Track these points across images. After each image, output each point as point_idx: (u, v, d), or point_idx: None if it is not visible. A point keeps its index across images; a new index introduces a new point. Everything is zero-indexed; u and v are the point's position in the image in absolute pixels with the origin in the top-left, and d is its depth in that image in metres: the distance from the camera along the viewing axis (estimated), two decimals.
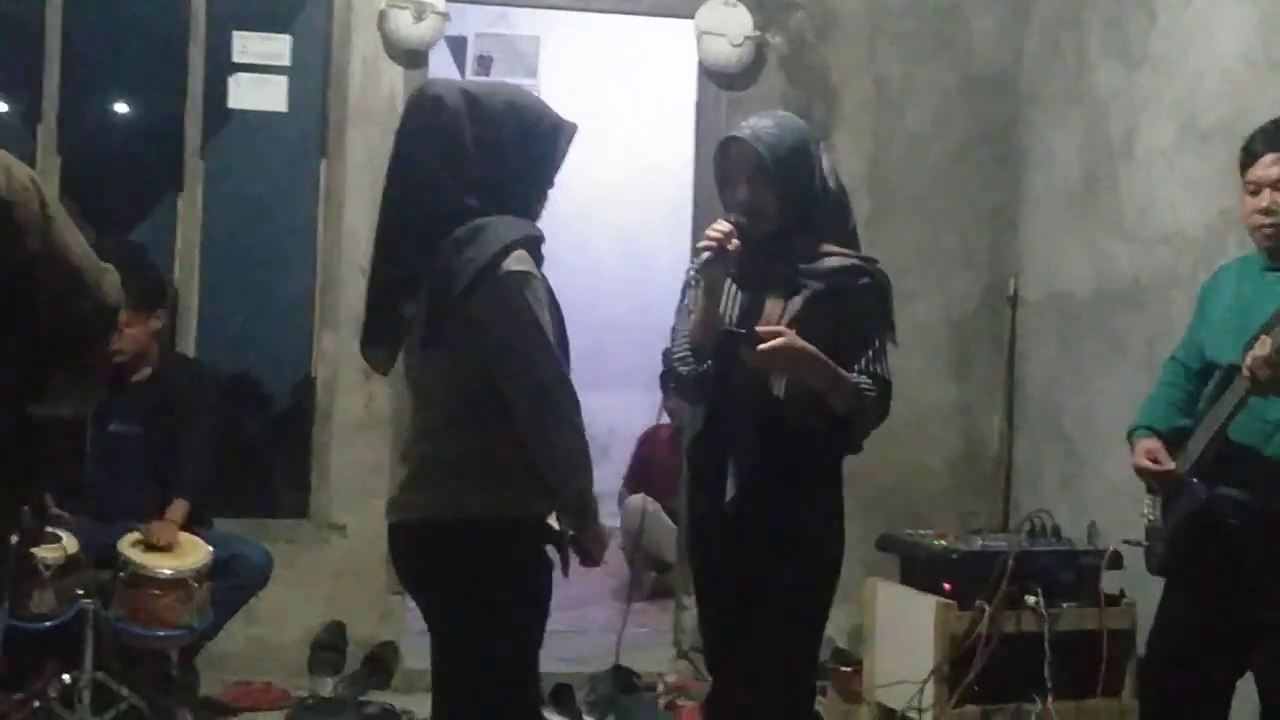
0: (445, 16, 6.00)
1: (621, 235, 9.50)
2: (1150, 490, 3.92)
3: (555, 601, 3.15)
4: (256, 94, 6.08)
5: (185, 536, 5.06)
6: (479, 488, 3.01)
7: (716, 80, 6.26)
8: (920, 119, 6.37)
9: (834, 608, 3.58)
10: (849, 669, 5.32)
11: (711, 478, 3.45)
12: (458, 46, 9.08)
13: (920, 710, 4.73)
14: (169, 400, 5.31)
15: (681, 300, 3.54)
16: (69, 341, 3.07)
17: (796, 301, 3.41)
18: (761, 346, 3.27)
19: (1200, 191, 5.01)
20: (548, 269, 3.07)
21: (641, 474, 7.89)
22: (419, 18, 5.93)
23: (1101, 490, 5.40)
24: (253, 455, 6.24)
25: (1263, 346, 3.42)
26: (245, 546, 5.28)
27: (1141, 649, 4.22)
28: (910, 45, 6.37)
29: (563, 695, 5.51)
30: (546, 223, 3.13)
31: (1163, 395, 3.98)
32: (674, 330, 3.55)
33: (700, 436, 3.58)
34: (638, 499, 7.17)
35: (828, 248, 3.44)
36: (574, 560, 3.17)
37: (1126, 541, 4.43)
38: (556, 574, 3.14)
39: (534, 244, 3.02)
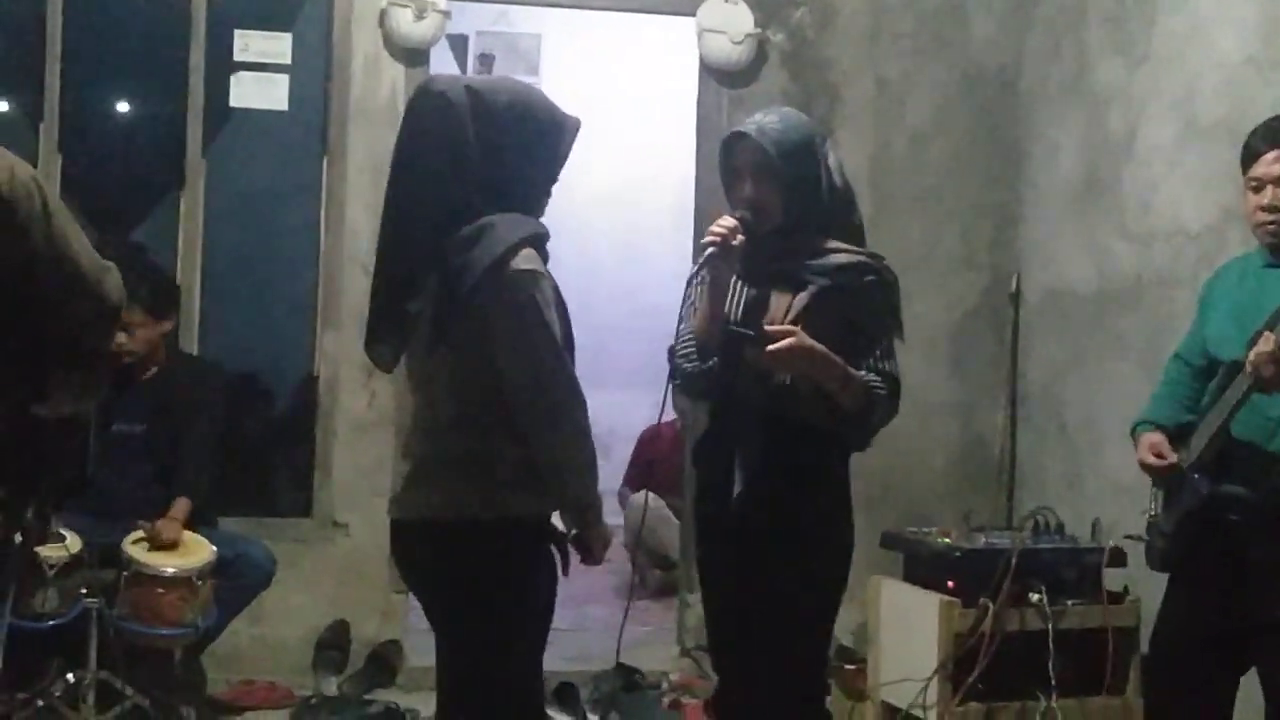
0: (446, 14, 6.00)
1: (622, 233, 9.50)
2: (1155, 485, 3.92)
3: (558, 600, 3.15)
4: (258, 92, 6.08)
5: (189, 535, 5.06)
6: (483, 486, 3.01)
7: (717, 78, 6.26)
8: (921, 117, 6.38)
9: None
10: (853, 667, 5.32)
11: (718, 475, 3.44)
12: (459, 44, 9.08)
13: (924, 708, 4.73)
14: (173, 399, 5.31)
15: (685, 296, 3.54)
16: (71, 340, 3.07)
17: (802, 298, 3.40)
18: (771, 347, 3.27)
19: (1202, 189, 5.01)
20: (548, 266, 3.07)
21: (643, 472, 7.90)
22: (420, 16, 5.93)
23: (1104, 487, 5.40)
24: (255, 454, 6.24)
25: (1266, 343, 3.43)
26: (249, 546, 5.29)
27: (1146, 646, 4.22)
28: (911, 43, 6.37)
29: (566, 694, 5.51)
30: (546, 220, 3.13)
31: (1166, 392, 3.98)
32: (679, 326, 3.55)
33: (706, 434, 3.58)
34: (641, 496, 7.18)
35: (834, 244, 3.44)
36: (574, 559, 3.18)
37: (1128, 536, 4.42)
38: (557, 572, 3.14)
39: (540, 242, 3.02)
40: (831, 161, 3.49)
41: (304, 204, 6.15)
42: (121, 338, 5.12)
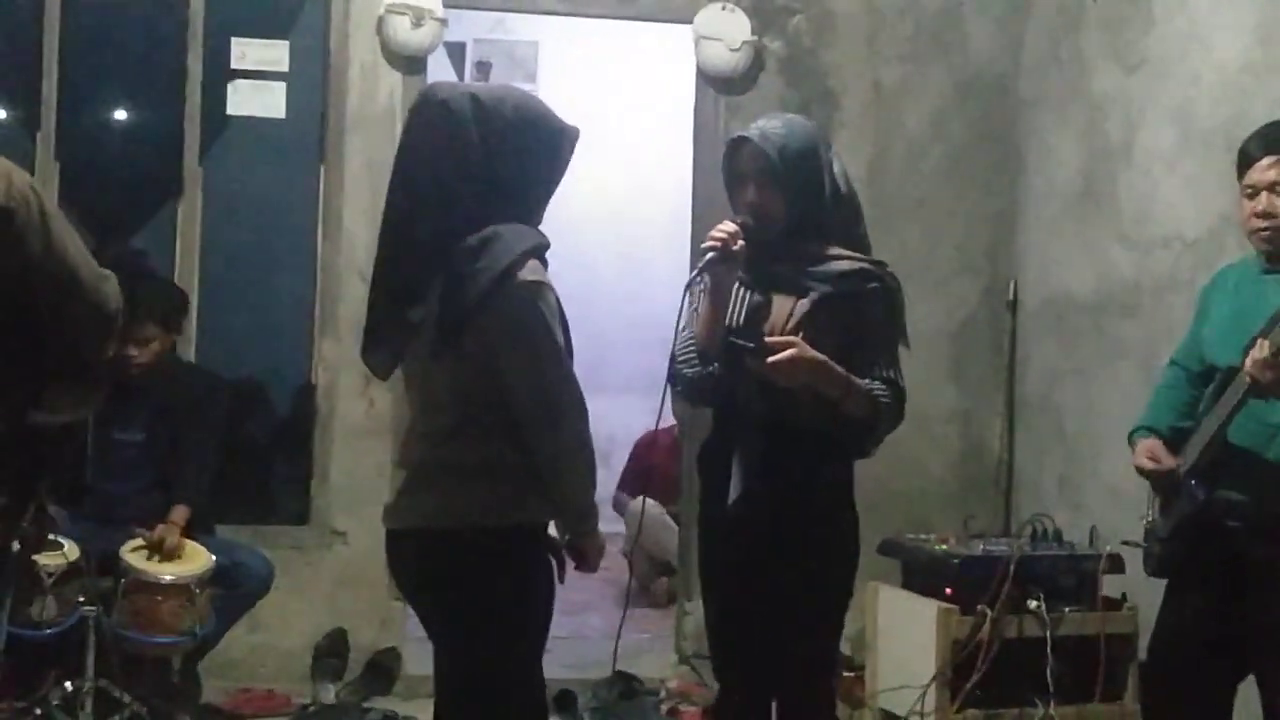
0: (444, 22, 6.00)
1: (620, 240, 9.49)
2: (1153, 491, 3.92)
3: (557, 607, 3.15)
4: (255, 100, 6.08)
5: (187, 543, 5.06)
6: (484, 494, 3.00)
7: (715, 85, 6.27)
8: (919, 123, 6.38)
9: None
10: (851, 674, 5.32)
11: (720, 482, 3.44)
12: (456, 52, 9.08)
13: (923, 715, 4.73)
14: (172, 407, 5.31)
15: (685, 300, 3.54)
16: (69, 348, 3.07)
17: (804, 305, 3.40)
18: (772, 359, 3.27)
19: (1199, 194, 5.01)
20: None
21: (639, 478, 7.88)
22: (417, 23, 5.94)
23: (1102, 494, 5.40)
24: (253, 462, 6.24)
25: (1262, 349, 3.43)
26: (247, 554, 5.29)
27: (1143, 653, 4.21)
28: (908, 49, 6.38)
29: (565, 701, 5.51)
30: (544, 227, 3.13)
31: (1163, 398, 3.98)
32: (677, 331, 3.54)
33: (709, 440, 3.59)
34: (640, 502, 7.17)
35: (836, 250, 3.44)
36: (569, 567, 3.18)
37: (1125, 543, 4.43)
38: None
39: (543, 252, 3.03)
40: (836, 168, 3.49)
41: (301, 212, 6.14)
42: (133, 350, 5.15)
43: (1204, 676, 3.78)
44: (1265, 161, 3.67)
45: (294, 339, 6.20)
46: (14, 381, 3.03)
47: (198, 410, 5.36)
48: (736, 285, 3.48)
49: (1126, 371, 5.36)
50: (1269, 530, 3.59)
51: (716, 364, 3.43)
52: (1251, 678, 3.79)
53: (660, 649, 6.37)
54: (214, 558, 5.05)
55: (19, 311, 2.99)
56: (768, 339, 3.31)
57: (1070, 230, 5.91)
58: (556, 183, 3.12)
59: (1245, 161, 3.73)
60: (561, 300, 3.06)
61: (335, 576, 5.96)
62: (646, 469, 7.84)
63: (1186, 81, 5.16)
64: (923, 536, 5.21)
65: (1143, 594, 4.54)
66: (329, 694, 5.59)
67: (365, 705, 5.55)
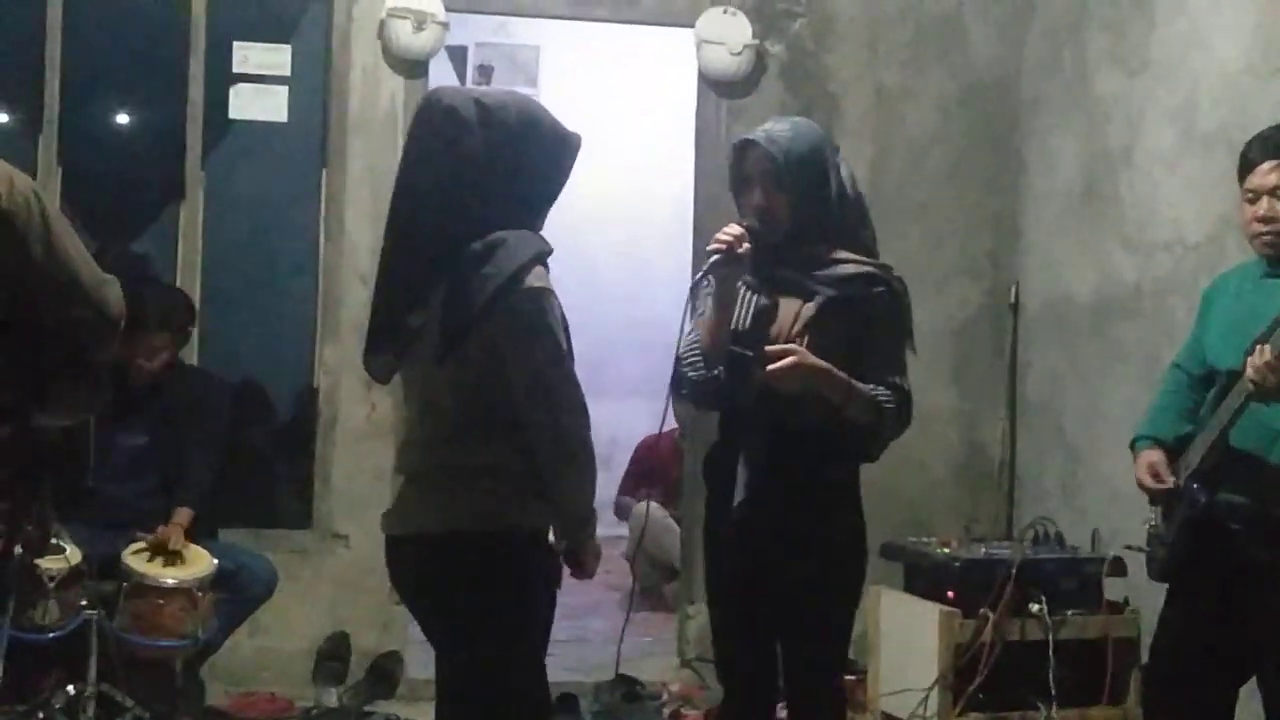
0: (445, 26, 6.00)
1: (621, 243, 9.50)
2: (1153, 502, 3.92)
3: (558, 611, 3.15)
4: (257, 104, 6.08)
5: (190, 546, 5.06)
6: (484, 497, 3.00)
7: (716, 89, 6.27)
8: (920, 126, 6.38)
9: None
10: (853, 677, 5.31)
11: (725, 486, 3.44)
12: (458, 56, 9.08)
13: (925, 719, 4.73)
14: (175, 410, 5.32)
15: (689, 303, 3.53)
16: (71, 351, 3.07)
17: (809, 308, 3.39)
18: (771, 367, 3.26)
19: (1200, 197, 5.01)
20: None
21: (641, 481, 7.86)
22: (419, 27, 5.94)
23: (1104, 497, 5.40)
24: (255, 465, 6.23)
25: (1263, 353, 3.42)
26: (250, 558, 5.29)
27: (1145, 656, 4.21)
28: (910, 52, 6.38)
29: (567, 704, 5.50)
30: (546, 230, 3.13)
31: (1165, 403, 3.98)
32: (681, 333, 3.54)
33: (715, 445, 3.58)
34: (643, 505, 7.16)
35: (842, 254, 3.43)
36: (565, 574, 3.18)
37: (1128, 547, 4.43)
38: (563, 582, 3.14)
39: (546, 259, 3.03)
40: (843, 172, 3.48)
41: (303, 215, 6.15)
42: (143, 361, 5.17)
43: (1206, 680, 3.78)
44: (1266, 166, 3.67)
45: (296, 343, 6.20)
46: (15, 384, 3.03)
47: (200, 412, 5.37)
48: (742, 288, 3.47)
49: (1128, 374, 5.36)
50: (1271, 533, 3.59)
51: (721, 368, 3.43)
52: (1253, 681, 3.79)
53: (662, 652, 6.37)
54: (216, 561, 5.06)
55: (20, 315, 2.98)
56: (767, 348, 3.31)
57: (1072, 233, 5.91)
58: (559, 190, 3.13)
59: (1246, 166, 3.73)
60: (563, 303, 3.06)
61: (337, 580, 5.95)
62: (649, 472, 7.84)
63: (1187, 84, 5.16)
64: (924, 540, 5.21)
65: (1145, 597, 4.54)
66: (331, 698, 5.59)
67: (367, 709, 5.55)
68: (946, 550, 5.03)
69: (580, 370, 3.08)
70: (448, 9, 5.99)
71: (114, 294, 3.10)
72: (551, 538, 3.11)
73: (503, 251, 2.95)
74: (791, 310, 3.42)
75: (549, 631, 3.13)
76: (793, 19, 6.30)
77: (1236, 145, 3.88)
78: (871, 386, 3.37)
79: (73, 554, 4.77)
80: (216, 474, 5.36)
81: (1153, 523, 3.94)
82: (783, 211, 3.43)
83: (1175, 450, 3.83)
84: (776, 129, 3.46)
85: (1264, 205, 3.65)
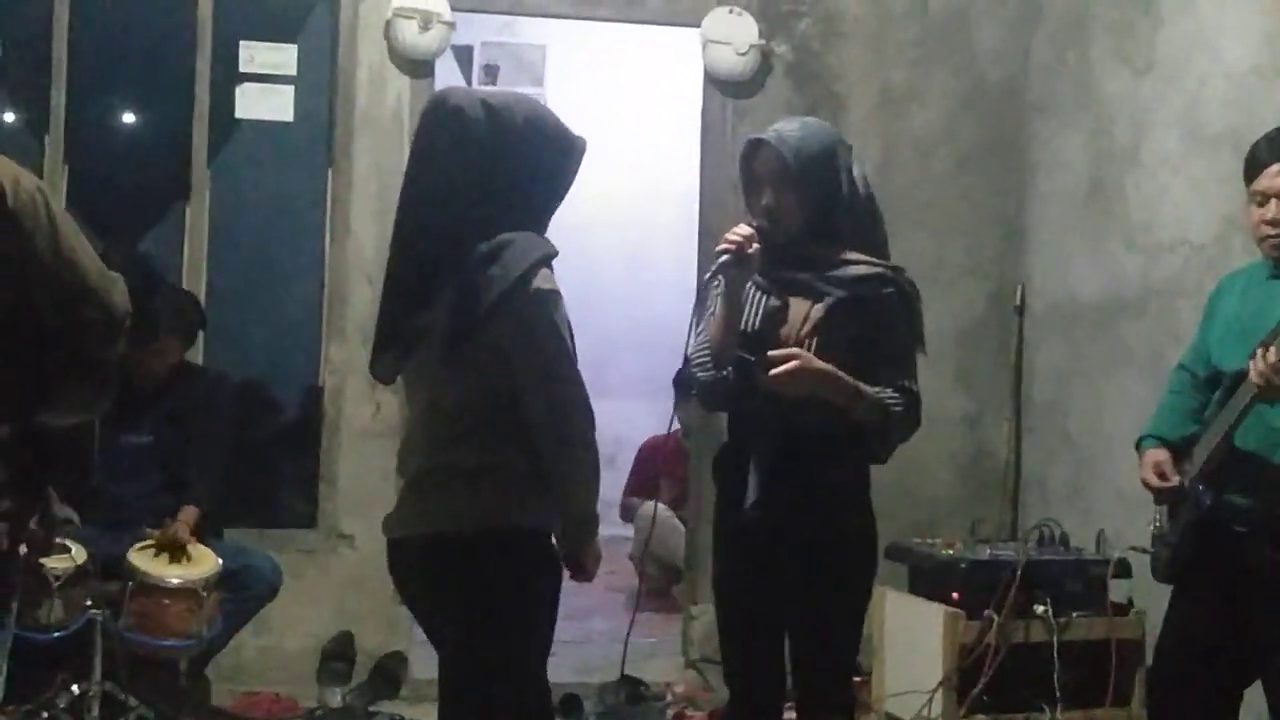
0: (451, 26, 6.01)
1: (626, 243, 9.50)
2: (1157, 501, 3.92)
3: (564, 611, 3.15)
4: (263, 104, 6.09)
5: (195, 546, 5.06)
6: (488, 497, 3.01)
7: (722, 88, 6.27)
8: (926, 127, 6.37)
9: None
10: (858, 678, 5.31)
11: (736, 487, 3.43)
12: (464, 55, 9.08)
13: None
14: (180, 409, 5.33)
15: (697, 304, 3.52)
16: (77, 350, 3.07)
17: (819, 309, 3.38)
18: (773, 372, 3.26)
19: (1207, 198, 5.00)
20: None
21: (646, 484, 7.84)
22: (425, 27, 5.94)
23: (1110, 498, 5.39)
24: (260, 465, 6.24)
25: (1269, 354, 3.42)
26: (255, 558, 5.29)
27: (1150, 658, 4.21)
28: (916, 52, 6.37)
29: (571, 705, 5.50)
30: (552, 231, 3.13)
31: (1171, 404, 3.97)
32: (690, 334, 3.53)
33: (725, 446, 3.58)
34: (649, 506, 7.15)
35: (852, 255, 3.41)
36: (565, 576, 3.18)
37: (1133, 548, 4.42)
38: (565, 585, 3.14)
39: (551, 261, 3.03)
40: (856, 172, 3.46)
41: (309, 215, 6.15)
42: (155, 364, 5.18)
43: (1210, 682, 3.77)
44: (1274, 168, 3.66)
45: (302, 342, 6.21)
46: (21, 383, 3.03)
47: (205, 412, 5.37)
48: (752, 289, 3.46)
49: (1134, 375, 5.35)
50: (1276, 535, 3.58)
51: (730, 369, 3.42)
52: (1258, 683, 3.78)
53: (667, 653, 6.36)
54: (221, 561, 5.06)
55: (26, 313, 2.99)
56: (770, 353, 3.29)
57: (1077, 234, 5.90)
58: (564, 193, 3.13)
59: (1253, 168, 3.72)
60: (569, 303, 3.07)
61: (342, 580, 5.96)
62: (653, 474, 7.81)
63: (1194, 85, 5.15)
64: (930, 541, 5.21)
65: (1150, 599, 4.53)
66: (335, 698, 5.59)
67: (371, 709, 5.55)
68: (951, 551, 5.03)
69: (584, 370, 3.08)
70: (454, 9, 5.99)
71: (120, 292, 3.10)
72: (553, 539, 3.11)
73: (509, 253, 2.95)
74: (801, 311, 3.41)
75: (552, 633, 3.13)
76: (798, 19, 6.30)
77: (1243, 146, 3.87)
78: (879, 389, 3.36)
79: (78, 553, 4.77)
80: (223, 471, 5.36)
81: (1157, 524, 3.93)
82: (792, 212, 3.41)
83: (1181, 450, 3.83)
84: (787, 129, 3.45)
85: (1272, 208, 3.64)
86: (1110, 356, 5.61)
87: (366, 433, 6.00)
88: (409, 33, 5.95)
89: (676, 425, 7.84)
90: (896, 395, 3.38)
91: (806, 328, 3.38)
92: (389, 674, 5.82)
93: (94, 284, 3.03)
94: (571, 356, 3.01)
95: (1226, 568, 3.68)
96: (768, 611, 3.51)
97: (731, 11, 6.17)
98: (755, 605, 3.52)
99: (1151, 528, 3.96)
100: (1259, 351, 3.43)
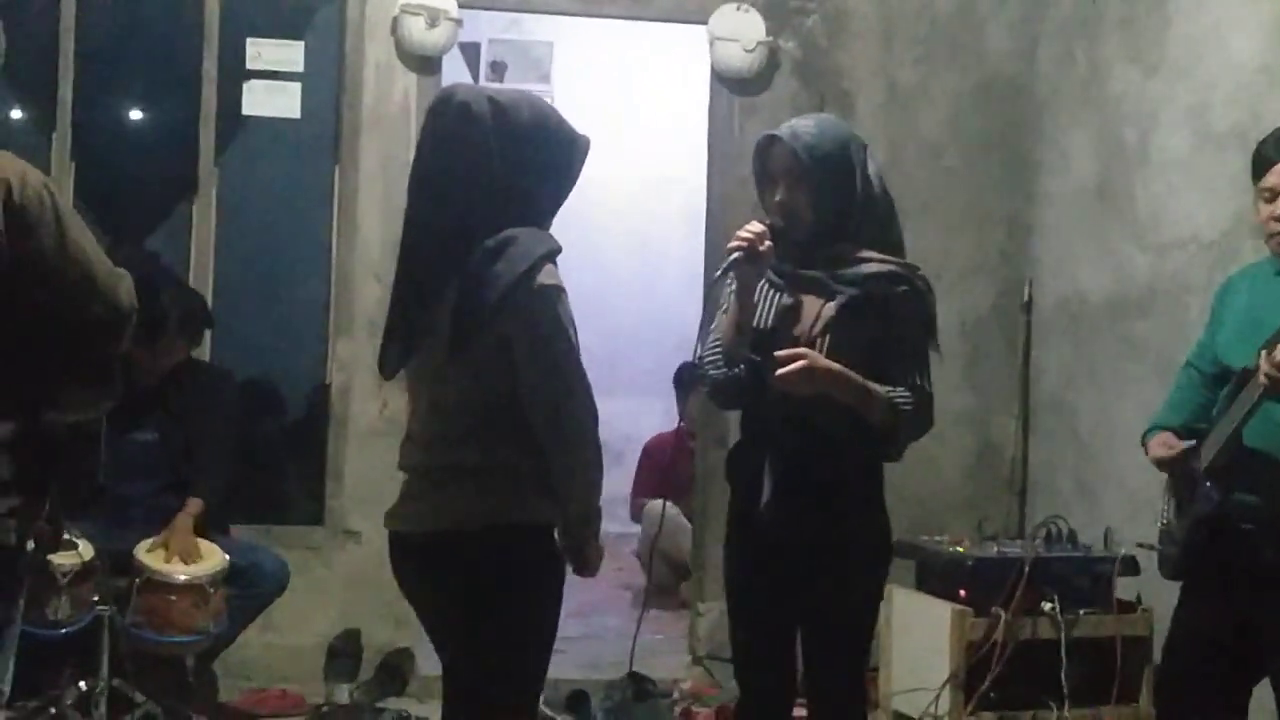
0: (458, 22, 6.01)
1: (634, 240, 9.51)
2: (1168, 491, 3.91)
3: (571, 608, 3.16)
4: (270, 100, 6.10)
5: (202, 542, 5.06)
6: (490, 493, 3.01)
7: (729, 85, 6.26)
8: (934, 124, 6.37)
9: None
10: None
11: (750, 485, 3.42)
12: (471, 52, 9.09)
13: (936, 717, 4.73)
14: (184, 406, 5.33)
15: (707, 301, 3.52)
16: (83, 346, 3.07)
17: (831, 307, 3.37)
18: (780, 372, 3.25)
19: (1215, 196, 5.00)
20: (561, 275, 3.07)
21: (652, 482, 7.83)
22: (432, 24, 5.94)
23: (1117, 496, 5.39)
24: (267, 462, 6.24)
25: (1277, 351, 3.41)
26: (262, 554, 5.30)
27: (1158, 656, 4.20)
28: (923, 49, 6.37)
29: (578, 701, 5.51)
30: (559, 228, 3.14)
31: (1177, 400, 3.97)
32: (701, 331, 3.52)
33: (738, 444, 3.57)
34: (657, 504, 7.15)
35: (866, 253, 3.40)
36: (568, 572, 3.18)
37: (1140, 545, 4.42)
38: (572, 582, 3.14)
39: (556, 257, 3.03)
40: (871, 170, 3.44)
41: (316, 212, 6.15)
42: (164, 362, 5.19)
43: (1218, 679, 3.76)
44: None
45: (309, 339, 6.21)
46: (28, 380, 3.03)
47: (208, 405, 5.37)
48: (765, 287, 3.46)
49: (1141, 373, 5.35)
50: None
51: (742, 366, 3.42)
52: (1266, 680, 3.78)
53: (674, 650, 6.37)
54: (228, 557, 5.06)
55: (33, 309, 2.99)
56: (776, 353, 3.29)
57: (1085, 232, 5.89)
58: (568, 190, 3.14)
59: (1262, 165, 3.71)
60: (576, 300, 3.07)
61: (349, 577, 5.96)
62: (660, 472, 7.80)
63: (1202, 83, 5.14)
64: (937, 538, 5.20)
65: (1158, 596, 4.53)
66: (342, 694, 5.60)
67: (378, 705, 5.55)
68: (959, 549, 5.02)
69: (593, 367, 3.08)
70: (461, 5, 6.00)
71: (126, 289, 3.11)
72: (556, 535, 3.12)
73: (514, 249, 2.95)
74: (814, 309, 3.40)
75: (555, 629, 3.13)
76: (806, 16, 6.30)
77: (1251, 144, 3.86)
78: (890, 388, 3.35)
79: (85, 550, 4.77)
80: (228, 465, 5.36)
81: (1165, 521, 3.93)
82: (806, 209, 3.40)
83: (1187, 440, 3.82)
84: (801, 125, 3.44)
85: None
86: (1118, 354, 5.61)
87: (373, 430, 6.00)
88: (416, 29, 5.95)
89: (681, 423, 7.88)
90: (907, 394, 3.37)
91: (819, 326, 3.37)
92: (396, 670, 5.82)
93: (100, 280, 3.04)
94: (575, 352, 3.01)
95: (1234, 565, 3.67)
96: (780, 609, 3.50)
97: (739, 8, 6.17)
98: (767, 602, 3.51)
99: (1159, 525, 3.95)
100: (1267, 350, 3.43)
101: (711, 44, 6.18)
